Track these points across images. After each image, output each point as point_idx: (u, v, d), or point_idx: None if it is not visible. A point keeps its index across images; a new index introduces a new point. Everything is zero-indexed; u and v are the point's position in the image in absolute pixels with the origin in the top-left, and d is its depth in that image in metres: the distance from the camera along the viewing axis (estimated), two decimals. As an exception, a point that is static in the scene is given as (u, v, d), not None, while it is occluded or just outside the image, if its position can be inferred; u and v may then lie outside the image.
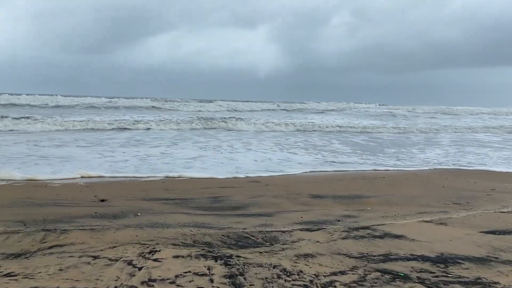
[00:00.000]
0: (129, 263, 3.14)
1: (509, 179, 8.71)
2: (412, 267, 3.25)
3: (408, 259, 3.44)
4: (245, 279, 2.91)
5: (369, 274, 3.07)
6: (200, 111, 32.84)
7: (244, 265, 3.16)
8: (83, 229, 4.12)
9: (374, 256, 3.51)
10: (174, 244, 3.66)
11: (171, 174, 8.15)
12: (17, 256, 3.31)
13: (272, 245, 3.78)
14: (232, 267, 3.11)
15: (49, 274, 2.91)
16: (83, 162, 9.31)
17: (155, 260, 3.22)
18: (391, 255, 3.54)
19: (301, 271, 3.08)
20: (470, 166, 10.33)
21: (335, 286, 2.85)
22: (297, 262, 3.30)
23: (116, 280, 2.83)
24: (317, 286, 2.84)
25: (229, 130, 19.63)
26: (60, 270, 2.99)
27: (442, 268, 3.26)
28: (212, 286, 2.79)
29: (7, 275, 2.89)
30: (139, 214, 5.11)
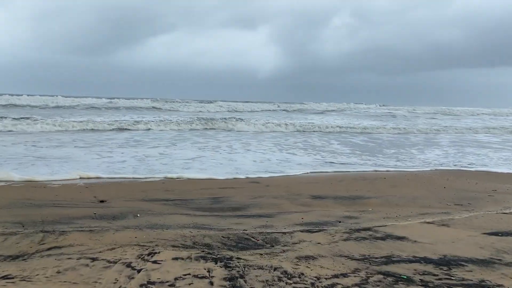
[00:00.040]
0: (128, 265, 3.10)
1: (510, 180, 8.66)
2: (415, 270, 3.21)
3: (410, 261, 3.40)
4: (245, 281, 2.87)
5: (371, 276, 3.03)
6: (200, 111, 32.80)
7: (244, 267, 3.12)
8: (82, 231, 4.08)
9: (376, 258, 3.47)
10: (173, 246, 3.62)
11: (169, 175, 8.10)
12: (14, 258, 3.27)
13: (273, 246, 3.74)
14: (232, 269, 3.07)
15: (46, 277, 2.87)
16: (80, 162, 9.26)
17: (154, 262, 3.18)
18: (393, 257, 3.49)
19: (302, 274, 3.04)
20: (470, 167, 10.29)
21: (337, 289, 2.81)
22: (298, 264, 3.25)
23: (114, 283, 2.79)
24: (318, 288, 2.80)
25: (229, 130, 19.60)
26: (58, 272, 2.95)
27: (445, 270, 3.22)
28: (212, 289, 2.74)
29: (4, 277, 2.85)
30: (138, 215, 5.07)
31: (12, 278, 2.85)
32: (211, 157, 10.81)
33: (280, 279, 2.93)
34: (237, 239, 3.93)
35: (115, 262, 3.14)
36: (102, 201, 5.95)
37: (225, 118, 23.87)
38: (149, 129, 18.53)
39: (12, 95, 34.58)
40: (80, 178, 7.61)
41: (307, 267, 3.20)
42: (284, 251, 3.59)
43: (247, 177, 8.24)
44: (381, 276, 3.04)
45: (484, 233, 4.33)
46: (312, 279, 2.96)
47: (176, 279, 2.88)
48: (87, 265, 3.09)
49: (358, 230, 4.36)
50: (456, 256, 3.57)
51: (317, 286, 2.84)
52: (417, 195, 6.66)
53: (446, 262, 3.39)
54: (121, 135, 15.83)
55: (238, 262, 3.24)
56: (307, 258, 3.41)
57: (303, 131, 20.37)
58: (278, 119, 25.52)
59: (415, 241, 3.98)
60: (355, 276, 3.03)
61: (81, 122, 18.77)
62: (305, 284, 2.86)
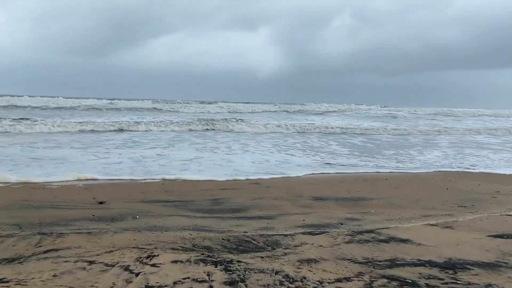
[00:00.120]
0: (126, 268, 3.03)
1: (513, 181, 8.58)
2: (420, 273, 3.13)
3: (415, 265, 3.32)
4: (246, 286, 2.80)
5: (375, 280, 2.96)
6: (201, 112, 32.74)
7: (245, 271, 3.05)
8: (79, 233, 4.01)
9: (380, 261, 3.40)
10: (173, 249, 3.55)
11: (167, 177, 8.00)
12: (10, 261, 3.20)
13: (274, 249, 3.66)
14: (232, 273, 2.99)
15: (42, 281, 2.80)
16: (76, 164, 9.17)
17: (153, 265, 3.10)
18: (398, 260, 3.42)
19: (305, 278, 2.97)
20: (472, 169, 10.21)
21: (340, 293, 2.73)
22: (300, 267, 3.18)
23: (112, 286, 2.72)
24: (321, 293, 2.73)
25: (229, 131, 19.53)
26: (54, 276, 2.88)
27: (451, 274, 3.14)
28: (212, 294, 2.67)
29: (-1, 281, 2.78)
30: (137, 216, 5.00)
31: (7, 282, 2.78)
32: (209, 158, 10.72)
33: (281, 283, 2.86)
34: (238, 242, 3.86)
35: (112, 265, 3.07)
36: (101, 203, 5.88)
37: (225, 119, 23.80)
38: (148, 130, 18.45)
39: (13, 96, 34.58)
40: (78, 179, 7.51)
41: (309, 270, 3.12)
42: (285, 254, 3.52)
43: (247, 179, 8.17)
44: (385, 280, 2.97)
45: (489, 236, 4.26)
46: (314, 283, 2.88)
47: (175, 283, 2.80)
48: (84, 268, 3.02)
49: (360, 233, 4.28)
50: (462, 259, 3.49)
51: (320, 290, 2.77)
52: (419, 197, 6.58)
53: (452, 266, 3.32)
54: (119, 136, 15.76)
55: (238, 265, 3.16)
56: (309, 261, 3.34)
57: (303, 132, 20.30)
58: (278, 120, 25.46)
59: (419, 243, 3.90)
60: (358, 280, 2.96)
61: (80, 123, 18.70)
62: (308, 288, 2.79)
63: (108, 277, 2.87)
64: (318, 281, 2.92)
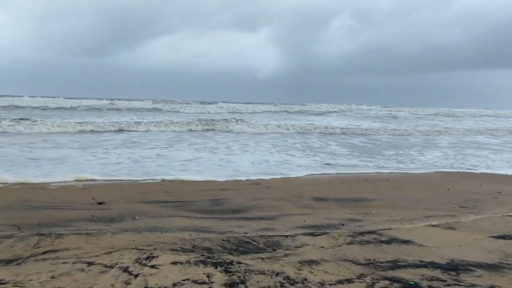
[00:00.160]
0: (125, 270, 2.99)
1: (514, 181, 8.55)
2: (422, 275, 3.10)
3: (417, 266, 3.29)
4: (246, 287, 2.76)
5: (377, 282, 2.92)
6: (201, 113, 32.70)
7: (245, 273, 3.01)
8: (78, 233, 3.97)
9: (382, 262, 3.36)
10: (172, 250, 3.51)
11: (166, 177, 7.95)
12: (8, 262, 3.17)
13: (275, 250, 3.63)
14: (232, 275, 2.96)
15: (40, 282, 2.76)
16: (74, 164, 9.12)
17: (152, 266, 3.07)
18: (400, 262, 3.38)
19: (306, 279, 2.93)
20: (474, 169, 10.17)
21: (342, 295, 2.70)
22: (301, 269, 3.15)
23: (110, 288, 2.68)
24: (323, 295, 2.69)
25: (229, 131, 19.49)
26: (52, 277, 2.84)
27: (453, 275, 3.11)
28: (212, 295, 2.64)
29: (-4, 283, 2.74)
30: (137, 217, 4.96)
31: (5, 283, 2.74)
32: (208, 159, 10.68)
33: (282, 285, 2.82)
34: (238, 243, 3.82)
35: (111, 267, 3.04)
36: (100, 203, 5.85)
37: (225, 119, 23.76)
38: (148, 130, 18.42)
39: (13, 96, 34.56)
40: (77, 180, 7.46)
41: (310, 272, 3.09)
42: (286, 255, 3.48)
43: (248, 179, 8.13)
44: (387, 282, 2.93)
45: (491, 237, 4.22)
46: (316, 285, 2.85)
47: (174, 284, 2.77)
48: (82, 269, 2.98)
49: (362, 233, 4.25)
50: (464, 260, 3.46)
51: (321, 292, 2.73)
52: (421, 197, 6.55)
53: (454, 267, 3.28)
54: (119, 136, 15.73)
55: (238, 266, 3.13)
56: (310, 262, 3.31)
57: (303, 132, 20.26)
58: (278, 120, 25.42)
59: (421, 245, 3.87)
60: (360, 282, 2.92)
61: (80, 123, 18.67)
62: (309, 290, 2.76)
63: (107, 278, 2.83)
64: (319, 282, 2.89)
